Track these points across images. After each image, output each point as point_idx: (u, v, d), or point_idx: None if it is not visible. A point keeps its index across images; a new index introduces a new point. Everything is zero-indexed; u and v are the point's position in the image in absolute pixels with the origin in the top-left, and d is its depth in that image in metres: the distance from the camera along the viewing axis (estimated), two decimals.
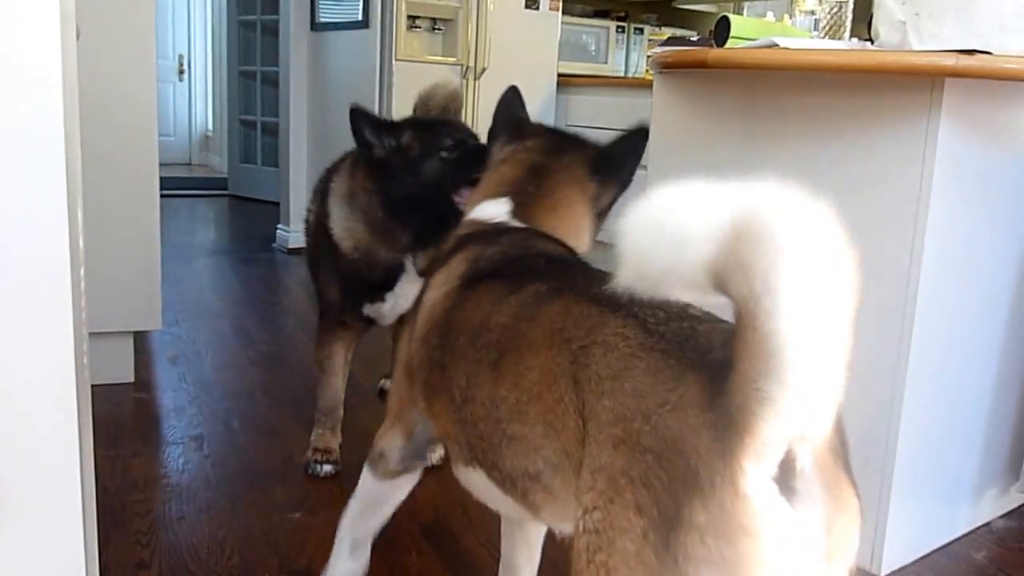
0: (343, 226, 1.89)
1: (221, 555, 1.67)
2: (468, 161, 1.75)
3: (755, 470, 0.71)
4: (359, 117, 1.80)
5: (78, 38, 1.13)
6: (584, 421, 0.86)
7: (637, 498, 0.75)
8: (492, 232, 1.25)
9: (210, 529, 1.77)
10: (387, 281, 1.93)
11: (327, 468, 2.03)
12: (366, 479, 1.38)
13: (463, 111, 3.91)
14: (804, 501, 0.74)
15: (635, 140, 1.39)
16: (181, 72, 8.45)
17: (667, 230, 0.72)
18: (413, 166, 1.80)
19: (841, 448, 0.80)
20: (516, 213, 1.28)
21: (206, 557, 1.66)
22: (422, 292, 1.26)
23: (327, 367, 2.06)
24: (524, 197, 1.30)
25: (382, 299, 1.95)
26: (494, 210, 1.29)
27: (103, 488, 1.69)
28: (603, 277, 0.93)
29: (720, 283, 0.70)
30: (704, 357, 0.79)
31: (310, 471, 2.03)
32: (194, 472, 2.02)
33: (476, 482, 1.12)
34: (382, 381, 2.58)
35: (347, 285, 1.96)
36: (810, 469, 0.74)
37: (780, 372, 0.68)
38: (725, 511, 0.71)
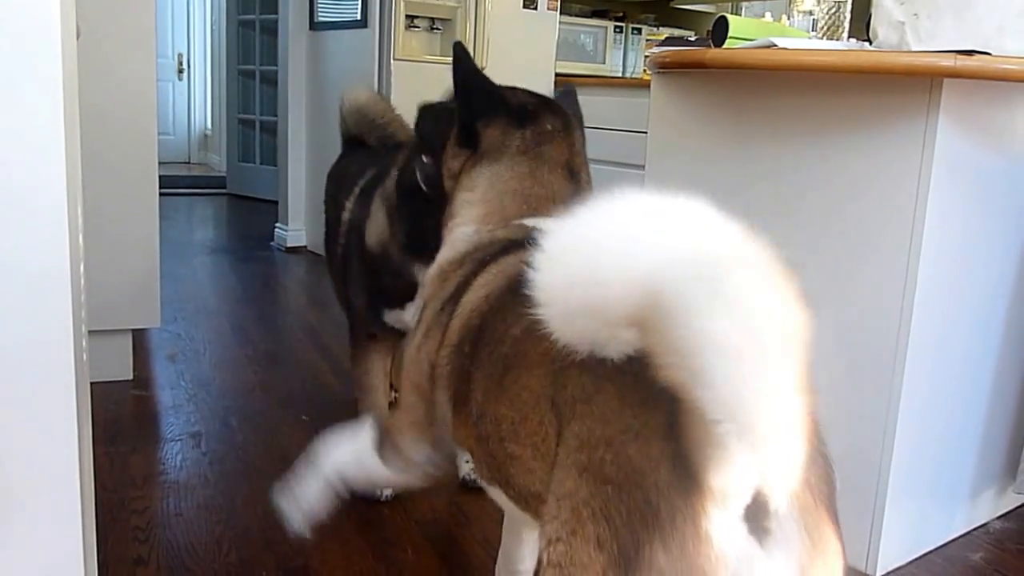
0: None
1: (219, 552, 1.68)
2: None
3: (718, 511, 0.67)
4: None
5: (78, 38, 1.13)
6: (557, 445, 0.82)
7: (598, 532, 0.70)
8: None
9: (208, 526, 1.77)
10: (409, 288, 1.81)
11: (387, 492, 1.94)
12: (376, 463, 1.25)
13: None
14: (778, 543, 0.70)
15: (574, 97, 1.40)
16: (180, 71, 8.44)
17: (582, 273, 0.67)
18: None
19: (825, 487, 0.76)
20: None
21: (203, 554, 1.67)
22: (458, 294, 1.15)
23: (365, 383, 1.99)
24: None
25: (401, 307, 1.85)
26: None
27: (101, 485, 1.69)
28: None
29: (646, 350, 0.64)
30: None
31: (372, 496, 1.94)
32: (192, 469, 2.02)
33: (498, 498, 1.08)
34: None
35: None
36: (786, 509, 0.70)
37: (721, 446, 0.63)
38: (686, 553, 0.67)
